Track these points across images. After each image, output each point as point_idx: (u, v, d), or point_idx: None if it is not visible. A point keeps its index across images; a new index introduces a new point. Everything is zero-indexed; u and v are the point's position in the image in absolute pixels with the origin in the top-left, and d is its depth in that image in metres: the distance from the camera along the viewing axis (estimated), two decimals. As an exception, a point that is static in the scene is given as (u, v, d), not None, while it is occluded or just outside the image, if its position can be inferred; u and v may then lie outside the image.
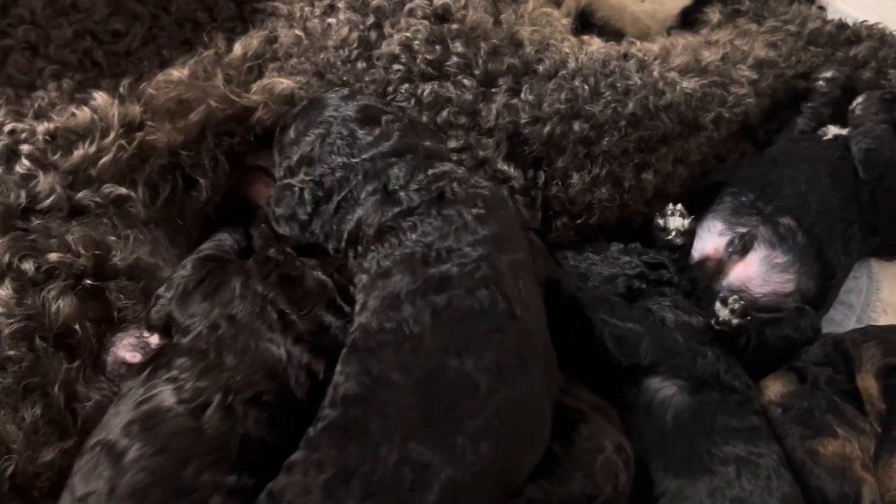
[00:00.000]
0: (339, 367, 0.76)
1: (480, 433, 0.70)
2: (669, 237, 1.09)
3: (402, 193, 0.84)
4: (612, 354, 0.94)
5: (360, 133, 0.90)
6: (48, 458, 0.85)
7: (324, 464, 0.69)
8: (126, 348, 0.92)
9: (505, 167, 1.02)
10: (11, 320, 0.87)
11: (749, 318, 0.98)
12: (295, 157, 0.93)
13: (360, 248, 0.85)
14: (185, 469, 0.74)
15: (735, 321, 0.98)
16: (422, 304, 0.75)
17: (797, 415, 0.94)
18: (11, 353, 0.86)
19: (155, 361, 0.84)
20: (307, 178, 0.90)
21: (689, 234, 1.10)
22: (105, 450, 0.76)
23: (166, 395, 0.79)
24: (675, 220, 1.09)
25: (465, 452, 0.69)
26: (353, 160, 0.88)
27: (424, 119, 1.02)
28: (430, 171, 0.86)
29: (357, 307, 0.81)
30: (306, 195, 0.89)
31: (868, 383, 0.97)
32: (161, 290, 0.92)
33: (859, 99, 1.29)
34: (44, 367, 0.88)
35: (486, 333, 0.74)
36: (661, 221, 1.10)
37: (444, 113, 1.03)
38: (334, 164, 0.89)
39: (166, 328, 0.90)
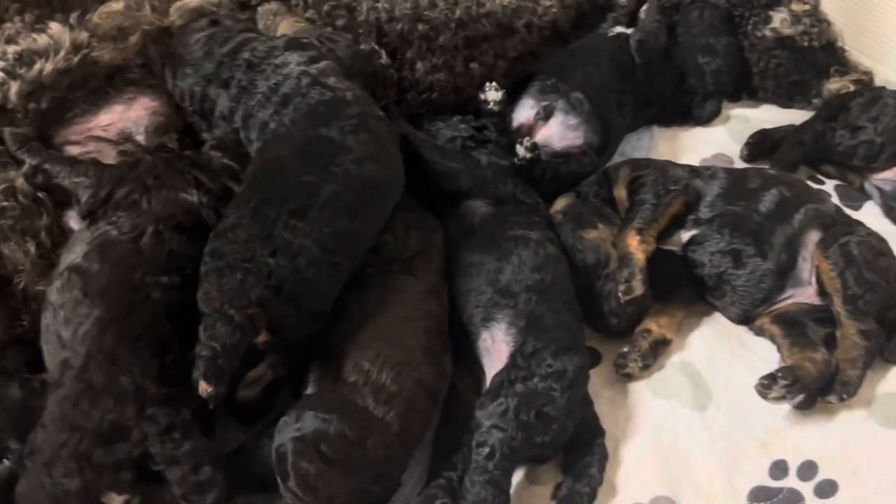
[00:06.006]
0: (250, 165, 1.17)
1: (343, 165, 1.11)
2: (488, 106, 1.49)
3: (229, 78, 1.25)
4: (440, 184, 1.34)
5: (196, 59, 1.28)
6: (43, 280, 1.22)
7: (250, 197, 1.09)
8: (72, 219, 1.26)
9: (374, 45, 1.43)
10: (2, 185, 1.23)
11: (537, 151, 1.39)
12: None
13: (232, 117, 1.25)
14: (133, 274, 1.08)
15: (528, 155, 1.39)
16: (279, 117, 1.17)
17: (571, 216, 1.36)
18: (5, 203, 1.22)
19: (93, 216, 1.17)
20: (190, 106, 1.32)
21: (503, 104, 1.50)
22: (74, 271, 1.09)
23: (111, 232, 1.12)
24: (491, 94, 1.49)
25: (336, 174, 1.10)
26: (199, 86, 1.28)
27: (314, 13, 1.44)
28: (238, 54, 1.26)
29: (247, 143, 1.22)
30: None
31: (620, 192, 1.40)
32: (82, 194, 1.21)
33: (645, 6, 1.70)
34: (31, 216, 1.24)
35: (328, 109, 1.16)
36: (481, 96, 1.50)
37: (327, 7, 1.45)
38: (194, 89, 1.28)
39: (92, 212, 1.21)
